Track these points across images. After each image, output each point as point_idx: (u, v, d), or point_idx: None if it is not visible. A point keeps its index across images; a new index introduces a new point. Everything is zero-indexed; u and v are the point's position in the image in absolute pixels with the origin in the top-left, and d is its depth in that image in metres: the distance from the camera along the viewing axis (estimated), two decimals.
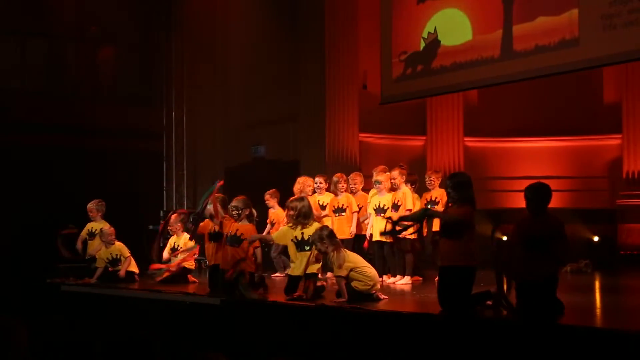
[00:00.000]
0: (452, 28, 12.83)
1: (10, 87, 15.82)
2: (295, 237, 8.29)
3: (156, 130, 16.80)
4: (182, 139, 16.98)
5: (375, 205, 10.05)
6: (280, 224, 10.63)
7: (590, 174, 14.70)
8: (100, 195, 11.55)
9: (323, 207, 10.77)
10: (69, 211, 11.88)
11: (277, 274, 11.10)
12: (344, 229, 10.32)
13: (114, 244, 10.86)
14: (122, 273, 10.74)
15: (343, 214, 10.55)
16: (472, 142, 15.41)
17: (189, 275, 10.54)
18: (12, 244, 13.74)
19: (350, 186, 10.80)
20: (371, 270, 7.99)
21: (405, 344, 6.61)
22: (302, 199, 8.66)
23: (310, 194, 10.67)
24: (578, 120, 14.71)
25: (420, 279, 10.24)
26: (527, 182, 7.02)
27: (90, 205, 11.28)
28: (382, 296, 7.91)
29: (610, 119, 14.44)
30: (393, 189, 10.21)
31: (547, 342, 5.78)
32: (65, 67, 16.84)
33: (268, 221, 11.25)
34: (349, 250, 8.38)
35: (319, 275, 8.57)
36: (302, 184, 10.83)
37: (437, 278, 7.84)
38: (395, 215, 8.95)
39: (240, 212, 8.77)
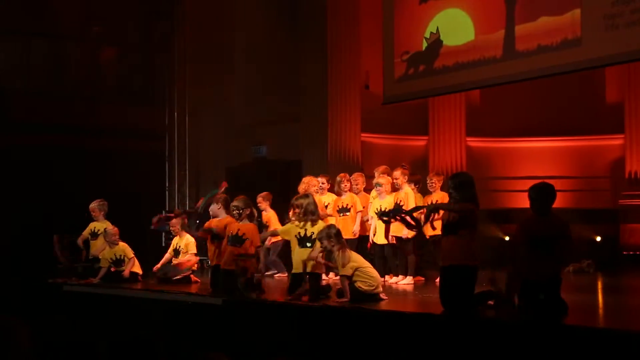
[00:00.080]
0: (455, 28, 12.82)
1: (12, 87, 15.81)
2: (299, 233, 8.34)
3: (158, 130, 16.79)
4: (184, 139, 16.97)
5: (377, 209, 10.02)
6: (272, 227, 10.71)
7: (592, 174, 14.67)
8: (102, 196, 11.55)
9: (325, 207, 10.77)
10: (69, 211, 11.87)
11: (279, 274, 11.12)
12: (349, 229, 10.31)
13: (117, 244, 10.85)
14: (126, 273, 10.74)
15: (347, 213, 10.55)
16: (475, 142, 15.40)
17: (191, 275, 10.55)
18: (13, 244, 13.73)
19: (353, 186, 10.80)
20: (374, 271, 8.01)
21: (408, 344, 6.61)
22: (307, 196, 8.70)
23: (315, 193, 10.68)
24: (580, 120, 14.68)
25: (423, 279, 10.24)
26: (530, 182, 7.02)
27: (93, 205, 11.28)
28: (383, 296, 7.92)
29: (612, 119, 14.41)
30: (395, 189, 10.21)
31: (551, 342, 5.78)
32: (67, 67, 16.83)
33: None
34: (352, 250, 8.41)
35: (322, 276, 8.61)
36: (307, 183, 10.84)
37: (438, 279, 7.84)
38: None
39: (241, 211, 8.80)
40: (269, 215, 11.20)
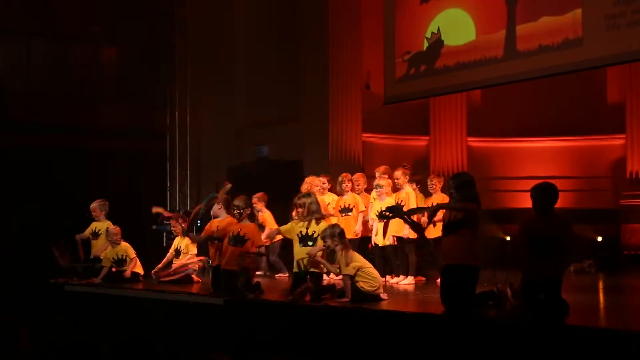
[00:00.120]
0: (456, 28, 12.82)
1: (12, 87, 15.81)
2: (301, 231, 8.34)
3: (160, 131, 16.80)
4: (185, 139, 16.98)
5: (377, 211, 9.99)
6: (268, 227, 10.72)
7: (593, 174, 14.66)
8: (102, 196, 11.53)
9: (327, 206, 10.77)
10: (69, 211, 11.86)
11: (279, 274, 11.12)
12: (351, 229, 10.28)
13: (119, 243, 10.84)
14: (127, 274, 10.73)
15: (349, 213, 10.54)
16: (476, 142, 15.39)
17: (192, 275, 10.54)
18: (13, 244, 13.72)
19: (354, 187, 10.79)
20: (375, 272, 8.02)
21: (408, 344, 6.60)
22: (309, 194, 8.70)
23: (317, 193, 10.66)
24: (581, 120, 14.67)
25: (424, 279, 10.23)
26: (531, 182, 7.01)
27: (94, 205, 11.27)
28: (384, 296, 7.91)
29: (613, 119, 14.41)
30: (396, 189, 10.20)
31: (552, 342, 5.77)
32: (67, 67, 16.82)
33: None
34: (354, 250, 8.41)
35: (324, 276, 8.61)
36: (310, 183, 10.83)
37: (439, 279, 7.84)
38: None
39: (241, 211, 8.81)
40: (265, 216, 11.22)
